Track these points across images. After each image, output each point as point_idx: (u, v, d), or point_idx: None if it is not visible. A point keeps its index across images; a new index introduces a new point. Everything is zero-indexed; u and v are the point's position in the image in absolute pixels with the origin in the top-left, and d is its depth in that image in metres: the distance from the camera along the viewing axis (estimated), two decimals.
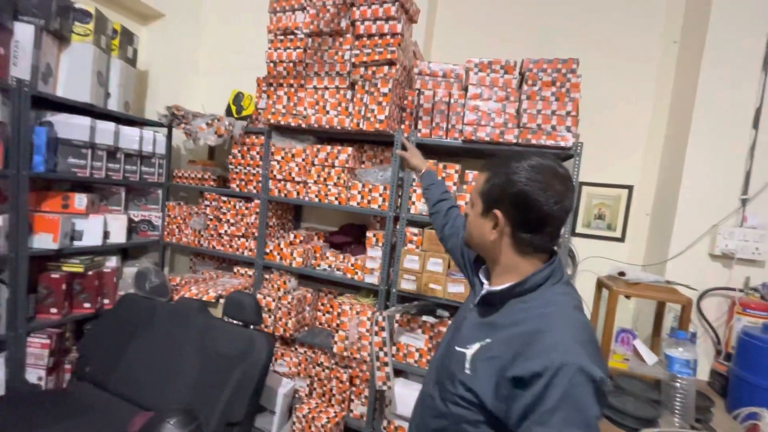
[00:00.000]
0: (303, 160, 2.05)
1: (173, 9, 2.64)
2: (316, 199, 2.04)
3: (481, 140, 1.74)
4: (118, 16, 2.50)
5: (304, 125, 1.96)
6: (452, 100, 1.80)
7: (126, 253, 2.51)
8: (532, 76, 1.70)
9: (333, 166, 1.98)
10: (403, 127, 1.93)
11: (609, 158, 2.06)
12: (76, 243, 2.08)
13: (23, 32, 1.76)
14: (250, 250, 2.25)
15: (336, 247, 2.25)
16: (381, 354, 1.77)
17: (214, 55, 2.77)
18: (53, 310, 2.03)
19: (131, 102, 2.37)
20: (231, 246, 2.30)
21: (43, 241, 1.93)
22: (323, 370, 2.08)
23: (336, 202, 2.00)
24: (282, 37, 1.94)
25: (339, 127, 1.88)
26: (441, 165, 1.83)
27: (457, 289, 1.80)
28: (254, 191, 2.21)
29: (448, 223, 1.21)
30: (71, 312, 2.11)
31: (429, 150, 1.96)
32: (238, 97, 2.28)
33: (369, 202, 1.95)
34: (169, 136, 2.47)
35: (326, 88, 1.89)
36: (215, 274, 2.46)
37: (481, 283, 0.87)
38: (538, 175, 0.72)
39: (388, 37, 1.76)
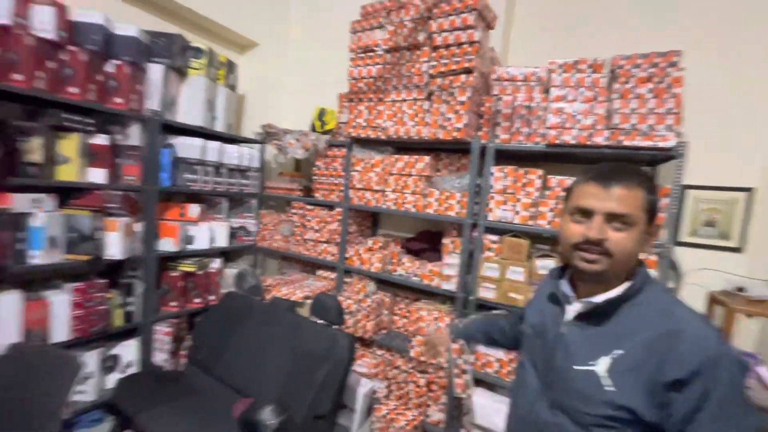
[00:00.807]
0: (382, 169, 2.15)
1: (265, 38, 2.95)
2: (394, 207, 2.12)
3: (566, 144, 1.66)
4: (222, 48, 2.86)
5: (383, 137, 2.05)
6: (533, 104, 1.75)
7: (226, 255, 2.84)
8: (625, 73, 1.58)
9: (410, 175, 2.05)
10: (480, 133, 1.93)
11: (721, 158, 1.82)
12: (189, 246, 2.42)
13: (155, 71, 2.12)
14: (332, 254, 2.41)
15: (412, 253, 2.31)
16: (460, 361, 1.77)
17: (299, 76, 3.03)
18: (173, 303, 2.37)
19: (233, 123, 2.70)
20: (315, 251, 2.48)
21: (167, 244, 2.28)
22: (400, 373, 2.13)
23: (413, 210, 2.06)
24: (362, 55, 2.06)
25: (416, 137, 1.94)
26: (522, 171, 1.79)
27: None
28: (336, 200, 2.37)
29: (505, 329, 1.19)
30: (186, 305, 2.45)
31: (509, 156, 1.92)
32: (321, 113, 2.47)
33: (446, 209, 1.97)
34: (262, 152, 2.75)
35: (404, 100, 1.97)
36: (301, 276, 2.67)
37: (566, 297, 0.84)
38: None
39: (466, 45, 1.78)
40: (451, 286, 1.97)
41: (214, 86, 2.43)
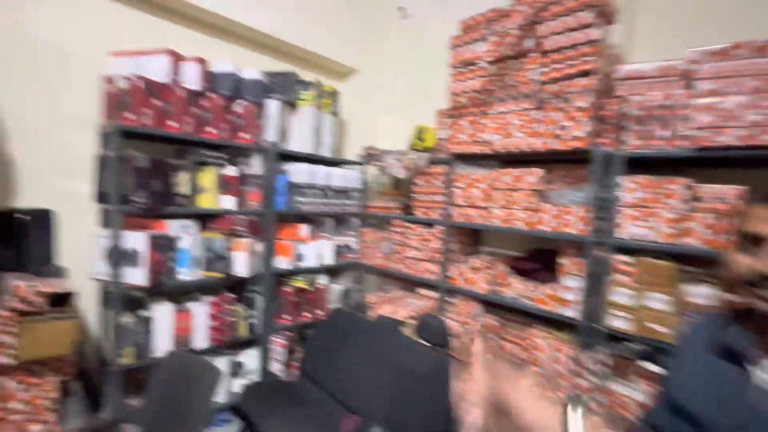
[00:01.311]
0: (486, 185, 2.05)
1: (364, 63, 3.10)
2: (501, 224, 1.99)
3: (722, 145, 1.38)
4: (326, 77, 3.08)
5: (488, 151, 1.96)
6: (673, 103, 1.50)
7: (331, 272, 2.99)
8: None
9: (519, 190, 1.91)
10: (602, 141, 1.71)
11: None
12: (301, 264, 2.60)
13: (272, 107, 2.36)
14: (433, 273, 2.36)
15: (522, 273, 2.13)
16: (588, 401, 1.55)
17: (396, 97, 3.11)
18: (287, 317, 2.56)
19: (336, 147, 2.86)
20: (415, 268, 2.46)
21: (282, 262, 2.48)
22: None
23: (523, 227, 1.91)
24: (464, 69, 2.02)
25: (526, 149, 1.81)
26: (661, 181, 1.53)
27: None
28: (437, 217, 2.33)
29: None
30: (297, 319, 2.62)
31: (640, 164, 1.67)
32: (420, 132, 2.47)
33: (563, 225, 1.78)
34: (363, 173, 2.86)
35: (511, 111, 1.86)
36: (402, 294, 2.67)
37: (750, 354, 0.62)
38: None
39: (583, 46, 1.61)
40: (571, 312, 1.76)
41: (320, 115, 2.62)
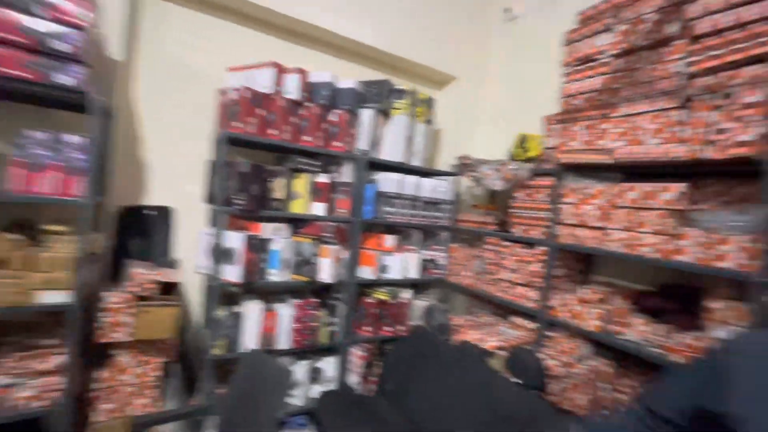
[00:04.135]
0: (605, 201, 1.71)
1: (464, 71, 2.95)
2: (622, 249, 1.63)
3: None
4: (421, 85, 3.01)
5: (608, 161, 1.63)
6: None
7: (416, 287, 2.85)
8: None
9: (651, 209, 1.54)
10: None
11: None
12: (384, 275, 2.51)
13: (365, 115, 2.35)
14: (531, 300, 2.05)
15: (649, 312, 1.72)
16: None
17: (497, 104, 2.88)
18: (367, 329, 2.49)
19: (428, 156, 2.75)
20: (509, 293, 2.18)
21: (365, 272, 2.43)
22: None
23: (654, 255, 1.53)
24: (581, 67, 1.73)
25: (663, 159, 1.45)
26: None
27: None
28: (539, 237, 2.03)
29: None
30: (378, 332, 2.53)
31: None
32: (523, 140, 2.22)
33: (714, 257, 1.37)
34: (455, 184, 2.69)
35: (643, 113, 1.51)
36: (492, 320, 2.40)
37: None
38: None
39: (756, 24, 1.23)
40: None
41: (413, 123, 2.54)
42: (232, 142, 1.95)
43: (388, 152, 2.46)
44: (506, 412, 1.63)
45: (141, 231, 2.06)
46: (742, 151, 1.24)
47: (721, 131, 1.29)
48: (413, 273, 2.58)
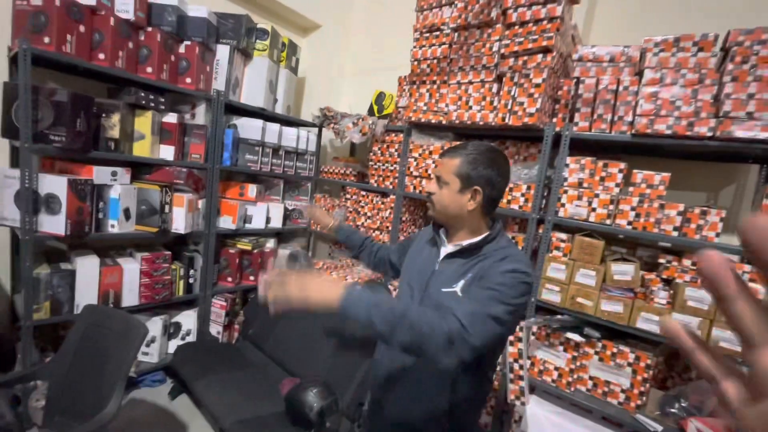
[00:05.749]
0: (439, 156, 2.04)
1: (328, 20, 2.92)
2: None
3: (658, 133, 1.45)
4: (285, 29, 2.88)
5: (444, 122, 1.94)
6: (621, 88, 1.54)
7: (280, 236, 2.90)
8: (743, 51, 1.33)
9: None
10: (555, 120, 1.75)
11: None
12: (247, 225, 2.49)
13: (222, 53, 2.16)
14: (383, 242, 2.35)
15: None
16: (516, 366, 1.65)
17: (358, 59, 2.98)
18: (229, 279, 2.47)
19: (292, 105, 2.71)
20: None
21: (226, 222, 2.36)
22: None
23: None
24: (428, 35, 1.95)
25: (481, 123, 1.81)
26: (601, 164, 1.60)
27: (613, 307, 1.55)
28: (391, 187, 2.30)
29: (379, 251, 1.34)
30: (241, 282, 2.53)
31: (586, 146, 1.73)
32: (380, 97, 2.40)
33: (509, 202, 1.83)
34: (319, 135, 2.75)
35: (470, 82, 1.83)
36: (351, 262, 2.66)
37: (443, 241, 1.04)
38: (499, 158, 0.98)
39: (545, 22, 1.60)
40: None
41: (276, 68, 2.45)
42: (39, 62, 1.57)
43: (249, 96, 2.35)
44: (355, 335, 1.92)
45: None
46: (530, 121, 1.65)
47: (518, 104, 1.68)
48: (277, 223, 2.62)
